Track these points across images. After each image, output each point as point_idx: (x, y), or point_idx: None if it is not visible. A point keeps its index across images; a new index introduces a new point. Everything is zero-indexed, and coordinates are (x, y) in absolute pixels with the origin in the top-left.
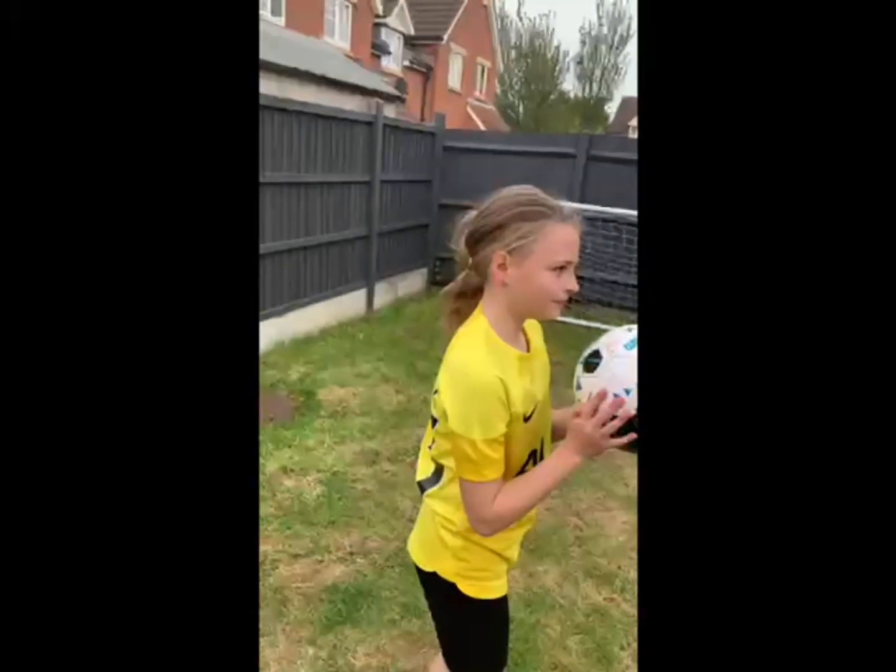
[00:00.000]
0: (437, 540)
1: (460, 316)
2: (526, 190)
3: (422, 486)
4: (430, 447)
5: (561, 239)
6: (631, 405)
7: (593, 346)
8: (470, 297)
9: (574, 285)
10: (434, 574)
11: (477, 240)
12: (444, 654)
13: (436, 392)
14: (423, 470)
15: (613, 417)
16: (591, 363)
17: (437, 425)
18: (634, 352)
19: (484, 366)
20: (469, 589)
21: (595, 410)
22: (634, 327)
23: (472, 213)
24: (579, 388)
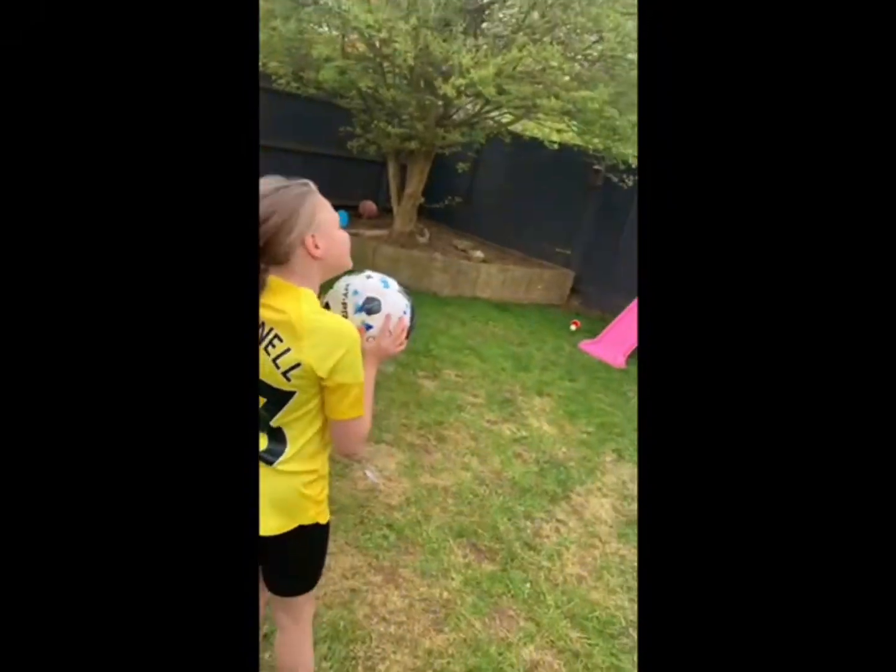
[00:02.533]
0: (297, 497)
1: None
2: (274, 181)
3: (265, 460)
4: (263, 423)
5: (323, 200)
6: (405, 318)
7: (361, 295)
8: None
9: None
10: (297, 528)
11: (276, 237)
12: (285, 590)
13: (295, 367)
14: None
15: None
16: (373, 308)
17: (296, 395)
18: (392, 286)
19: (346, 323)
20: (323, 517)
21: (389, 331)
22: (366, 271)
23: None
24: (370, 327)
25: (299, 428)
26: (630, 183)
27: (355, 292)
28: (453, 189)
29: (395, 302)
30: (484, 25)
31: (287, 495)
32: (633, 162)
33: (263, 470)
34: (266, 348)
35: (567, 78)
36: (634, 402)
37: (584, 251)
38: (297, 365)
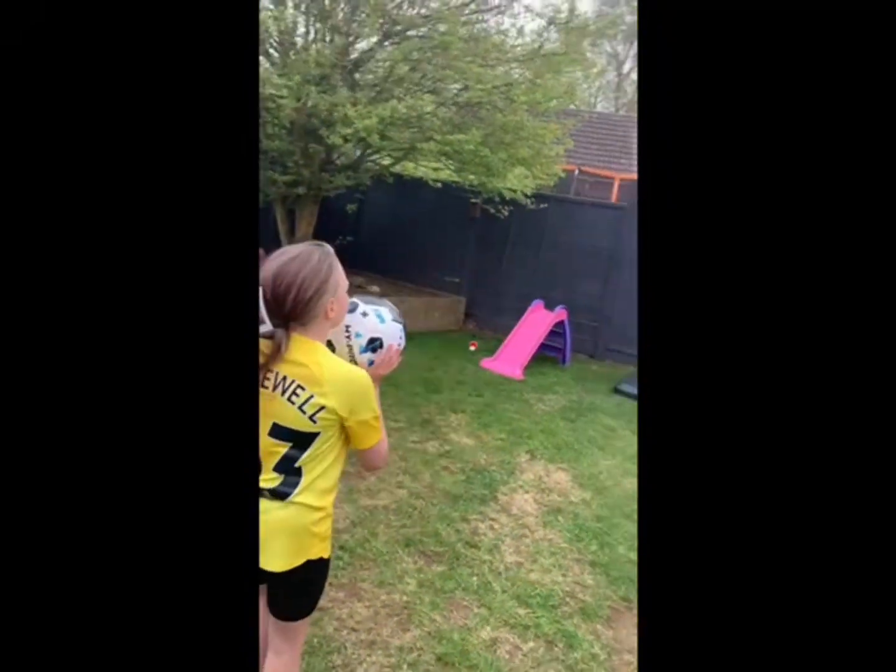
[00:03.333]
0: (307, 535)
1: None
2: (298, 251)
3: (280, 494)
4: (285, 465)
5: (338, 262)
6: (400, 343)
7: (363, 337)
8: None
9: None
10: (304, 563)
11: (304, 299)
12: (284, 615)
13: (320, 409)
14: (270, 481)
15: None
16: (376, 346)
17: (320, 435)
18: (387, 318)
19: (357, 369)
20: (326, 552)
21: (388, 357)
22: (359, 306)
23: (259, 289)
24: (371, 363)
25: (314, 464)
26: (506, 213)
27: (357, 335)
28: (342, 229)
29: (392, 333)
30: (356, 76)
31: (298, 532)
32: (507, 194)
33: (277, 504)
34: (290, 398)
35: (439, 123)
36: (537, 407)
37: (471, 278)
38: (323, 408)
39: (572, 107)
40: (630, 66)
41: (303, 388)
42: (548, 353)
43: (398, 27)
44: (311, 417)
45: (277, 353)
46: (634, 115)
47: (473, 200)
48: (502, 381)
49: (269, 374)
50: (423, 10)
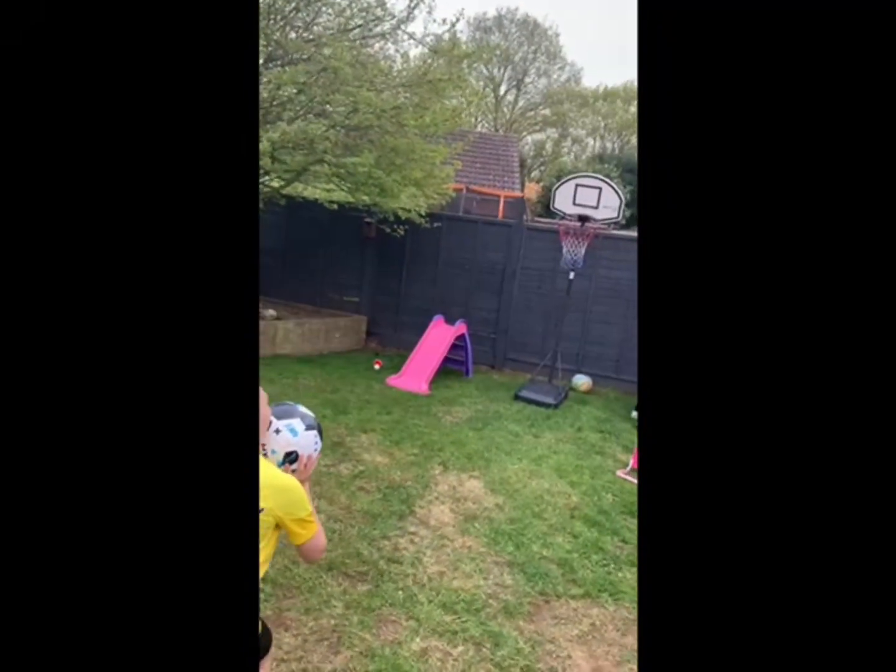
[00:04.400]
0: None
1: None
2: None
3: None
4: None
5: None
6: (316, 451)
7: (279, 454)
8: None
9: None
10: None
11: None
12: None
13: (261, 510)
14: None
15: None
16: (293, 458)
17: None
18: (299, 430)
19: (287, 477)
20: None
21: (305, 467)
22: (273, 423)
23: None
24: (293, 472)
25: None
26: (401, 232)
27: (273, 451)
28: None
29: (306, 444)
30: None
31: None
32: (402, 214)
33: None
34: None
35: (331, 145)
36: (445, 420)
37: (370, 297)
38: (262, 509)
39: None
40: (506, 88)
41: None
42: (451, 367)
43: (280, 51)
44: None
45: None
46: (513, 134)
47: (368, 220)
48: (409, 398)
49: None
50: (306, 34)
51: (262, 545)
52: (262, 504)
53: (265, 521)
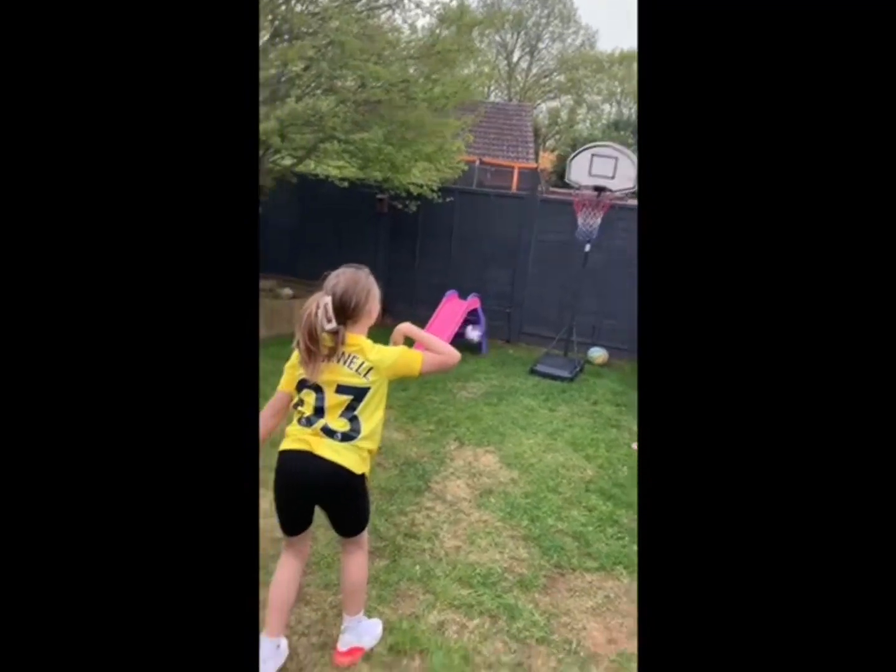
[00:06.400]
0: (362, 462)
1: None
2: (354, 268)
3: (349, 437)
4: (349, 413)
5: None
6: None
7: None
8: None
9: None
10: (362, 475)
11: (360, 304)
12: (351, 533)
13: (370, 370)
14: (341, 427)
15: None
16: None
17: (370, 390)
18: None
19: (384, 347)
20: (368, 472)
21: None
22: None
23: (328, 298)
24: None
25: (368, 414)
26: (414, 207)
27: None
28: None
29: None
30: None
31: (356, 461)
32: (414, 189)
33: (345, 445)
34: (349, 365)
35: (340, 122)
36: (460, 395)
37: (385, 273)
38: (371, 369)
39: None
40: (519, 55)
41: (357, 357)
42: (466, 341)
43: (287, 25)
44: (364, 376)
45: (339, 342)
46: (527, 103)
47: (380, 196)
48: None
49: (333, 355)
50: (311, 7)
51: (375, 403)
52: (370, 364)
53: (374, 377)
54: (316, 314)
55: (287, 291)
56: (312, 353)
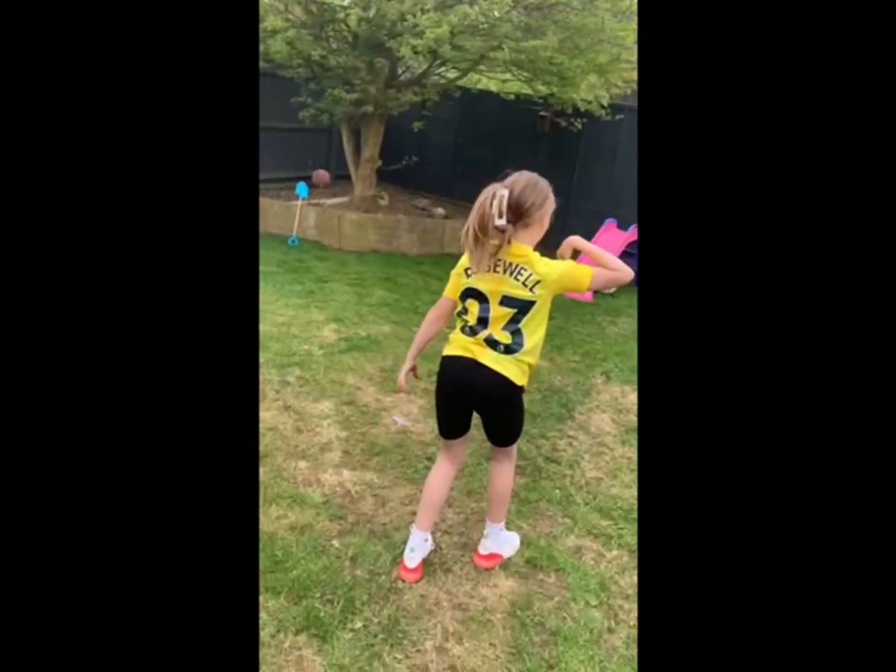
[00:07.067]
0: (522, 374)
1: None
2: (533, 174)
3: (511, 350)
4: (512, 326)
5: None
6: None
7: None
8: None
9: None
10: (521, 387)
11: (534, 206)
12: (504, 443)
13: (537, 283)
14: (504, 339)
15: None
16: None
17: (536, 304)
18: None
19: (552, 261)
20: (526, 384)
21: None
22: None
23: (506, 191)
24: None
25: (532, 328)
26: (579, 126)
27: None
28: (405, 149)
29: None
30: None
31: (517, 373)
32: (581, 105)
33: (508, 358)
34: (516, 277)
35: (512, 28)
36: (609, 330)
37: None
38: (539, 282)
39: None
40: None
41: (525, 269)
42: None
43: None
44: (530, 289)
45: (506, 241)
46: None
47: (543, 114)
48: (573, 305)
49: (499, 262)
50: None
51: (538, 318)
52: (538, 277)
53: (541, 291)
54: (491, 204)
55: (440, 211)
56: (479, 241)
